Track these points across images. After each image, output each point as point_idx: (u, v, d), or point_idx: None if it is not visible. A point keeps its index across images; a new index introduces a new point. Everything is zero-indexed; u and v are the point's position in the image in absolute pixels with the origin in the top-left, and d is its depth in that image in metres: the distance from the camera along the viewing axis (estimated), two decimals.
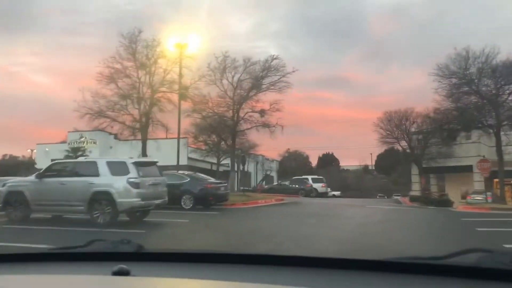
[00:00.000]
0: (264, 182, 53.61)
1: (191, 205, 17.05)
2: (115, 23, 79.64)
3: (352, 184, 79.95)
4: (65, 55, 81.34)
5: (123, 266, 1.29)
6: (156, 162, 14.53)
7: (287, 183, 40.93)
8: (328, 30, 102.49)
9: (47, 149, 48.78)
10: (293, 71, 23.78)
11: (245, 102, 23.14)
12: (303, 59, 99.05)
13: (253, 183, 58.50)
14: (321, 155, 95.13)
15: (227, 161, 51.20)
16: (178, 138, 25.64)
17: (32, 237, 10.31)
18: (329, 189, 63.71)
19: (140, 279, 1.27)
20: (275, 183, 44.12)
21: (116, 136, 49.39)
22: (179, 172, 19.38)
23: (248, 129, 23.87)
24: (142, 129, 26.31)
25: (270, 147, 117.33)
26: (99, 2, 75.28)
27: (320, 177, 44.27)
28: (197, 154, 45.07)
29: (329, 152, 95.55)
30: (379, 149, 56.28)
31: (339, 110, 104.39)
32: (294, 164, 78.07)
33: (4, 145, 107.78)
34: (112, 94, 25.77)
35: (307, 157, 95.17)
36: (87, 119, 25.84)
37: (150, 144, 36.27)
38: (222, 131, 23.53)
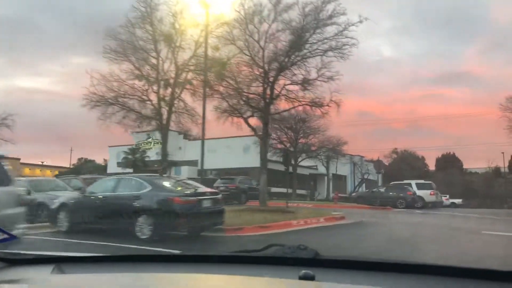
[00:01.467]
0: (359, 188, 44.55)
1: (149, 234, 9.90)
2: None
3: (479, 189, 65.78)
4: None
5: (308, 271, 1.34)
6: None
7: (382, 190, 31.68)
8: (444, 23, 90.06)
9: (116, 152, 45.41)
10: (361, 21, 15.28)
11: (283, 72, 15.19)
12: (419, 56, 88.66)
13: (349, 189, 49.59)
14: (439, 156, 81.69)
15: (311, 162, 43.38)
16: (203, 133, 18.70)
17: None
18: (446, 197, 52.14)
19: (326, 284, 1.33)
20: (366, 190, 35.10)
21: (185, 136, 44.48)
22: (140, 175, 12.21)
23: (286, 110, 15.81)
24: (161, 119, 19.94)
25: (374, 148, 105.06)
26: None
27: (428, 182, 34.10)
28: (270, 154, 37.85)
29: (449, 153, 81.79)
30: None
31: (462, 107, 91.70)
32: (404, 166, 66.98)
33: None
34: (126, 75, 19.78)
35: (422, 159, 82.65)
36: (99, 109, 20.06)
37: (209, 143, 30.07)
38: (249, 113, 15.68)
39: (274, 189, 39.67)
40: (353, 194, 33.98)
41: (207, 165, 42.40)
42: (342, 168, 49.51)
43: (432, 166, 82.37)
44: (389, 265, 1.51)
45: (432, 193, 32.19)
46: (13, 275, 1.53)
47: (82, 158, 51.86)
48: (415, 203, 30.78)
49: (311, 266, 1.44)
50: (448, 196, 54.85)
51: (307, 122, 36.30)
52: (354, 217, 16.03)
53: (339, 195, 32.54)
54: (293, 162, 37.76)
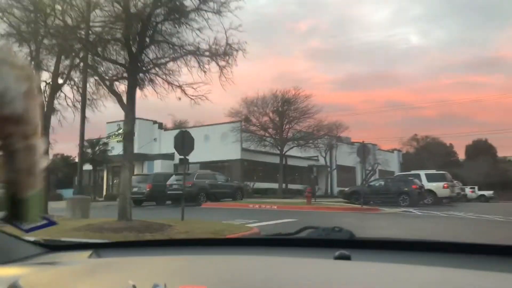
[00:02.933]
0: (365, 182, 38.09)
1: None
2: (257, 28, 75.84)
3: None
4: None
5: (344, 251, 1.33)
6: None
7: (381, 183, 25.42)
8: (475, 7, 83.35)
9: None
10: None
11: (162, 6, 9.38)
12: (449, 42, 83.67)
13: (358, 183, 43.10)
14: (470, 143, 73.51)
15: (311, 152, 37.19)
16: (83, 107, 13.09)
17: None
18: (472, 189, 45.07)
19: (363, 264, 1.30)
20: (363, 184, 28.63)
21: (161, 126, 39.11)
22: None
23: (163, 64, 9.94)
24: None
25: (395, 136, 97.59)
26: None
27: (441, 172, 27.55)
28: (254, 144, 31.90)
29: (481, 139, 73.47)
30: None
31: (497, 94, 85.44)
32: (426, 155, 59.62)
33: None
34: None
35: (450, 146, 74.68)
36: None
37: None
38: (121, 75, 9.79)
39: (262, 185, 33.99)
40: (346, 190, 27.76)
41: None
42: (349, 158, 43.08)
43: (462, 155, 74.81)
44: (427, 245, 1.53)
45: (445, 185, 25.64)
46: (52, 259, 1.59)
47: (58, 154, 47.33)
48: (422, 199, 24.46)
49: (347, 247, 1.40)
50: (476, 187, 47.70)
51: (293, 103, 30.29)
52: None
53: (345, 188, 26.53)
54: (278, 152, 31.79)
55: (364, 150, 18.85)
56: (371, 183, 26.13)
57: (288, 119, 30.71)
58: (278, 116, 30.68)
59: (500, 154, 73.38)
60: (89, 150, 31.60)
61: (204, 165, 34.03)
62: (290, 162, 36.69)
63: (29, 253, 1.63)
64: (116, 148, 36.31)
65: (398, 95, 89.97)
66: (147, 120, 37.01)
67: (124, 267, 1.32)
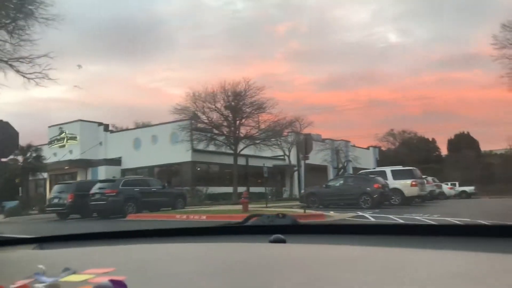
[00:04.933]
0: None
1: None
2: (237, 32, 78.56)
3: (500, 174, 54.78)
4: (193, 67, 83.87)
5: (279, 235, 1.37)
6: None
7: (341, 182, 22.30)
8: (453, 5, 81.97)
9: None
10: None
11: None
12: (429, 40, 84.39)
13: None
14: (452, 137, 70.79)
15: (274, 152, 33.94)
16: None
17: None
18: (450, 185, 42.26)
19: (296, 246, 1.34)
20: (323, 186, 25.34)
21: (107, 128, 35.46)
22: None
23: None
24: None
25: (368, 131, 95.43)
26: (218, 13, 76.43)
27: (409, 168, 24.45)
28: (204, 144, 28.52)
29: (463, 132, 70.92)
30: None
31: (478, 90, 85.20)
32: (404, 150, 56.76)
33: None
34: None
35: (432, 142, 71.98)
36: None
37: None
38: None
39: (219, 189, 30.72)
40: (302, 191, 24.61)
41: (130, 164, 33.54)
42: (319, 156, 40.01)
43: (446, 151, 72.28)
44: (364, 227, 1.55)
45: (413, 183, 22.55)
46: None
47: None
48: (387, 200, 21.33)
49: (288, 233, 1.45)
50: (457, 183, 44.85)
51: (244, 97, 27.09)
52: None
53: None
54: (232, 151, 28.52)
55: (306, 144, 15.66)
56: (330, 183, 22.92)
57: (241, 115, 27.46)
58: (230, 112, 27.44)
59: (484, 148, 71.05)
60: (19, 158, 28.04)
61: (152, 169, 30.68)
62: (253, 162, 33.45)
63: None
64: (59, 154, 32.88)
65: (381, 94, 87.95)
66: (91, 122, 33.54)
67: (65, 257, 1.32)
